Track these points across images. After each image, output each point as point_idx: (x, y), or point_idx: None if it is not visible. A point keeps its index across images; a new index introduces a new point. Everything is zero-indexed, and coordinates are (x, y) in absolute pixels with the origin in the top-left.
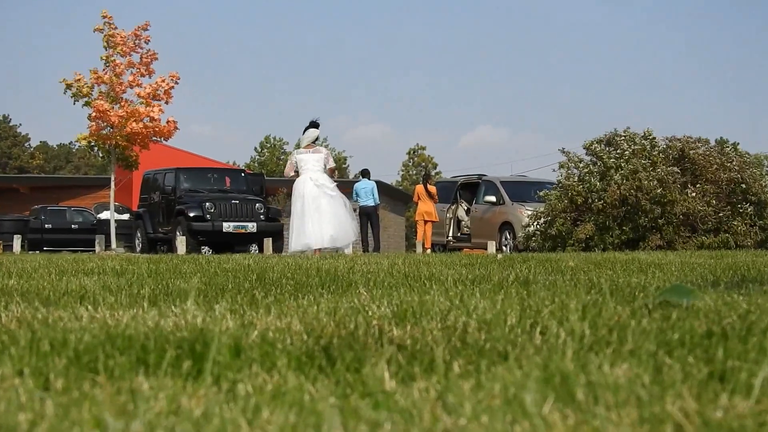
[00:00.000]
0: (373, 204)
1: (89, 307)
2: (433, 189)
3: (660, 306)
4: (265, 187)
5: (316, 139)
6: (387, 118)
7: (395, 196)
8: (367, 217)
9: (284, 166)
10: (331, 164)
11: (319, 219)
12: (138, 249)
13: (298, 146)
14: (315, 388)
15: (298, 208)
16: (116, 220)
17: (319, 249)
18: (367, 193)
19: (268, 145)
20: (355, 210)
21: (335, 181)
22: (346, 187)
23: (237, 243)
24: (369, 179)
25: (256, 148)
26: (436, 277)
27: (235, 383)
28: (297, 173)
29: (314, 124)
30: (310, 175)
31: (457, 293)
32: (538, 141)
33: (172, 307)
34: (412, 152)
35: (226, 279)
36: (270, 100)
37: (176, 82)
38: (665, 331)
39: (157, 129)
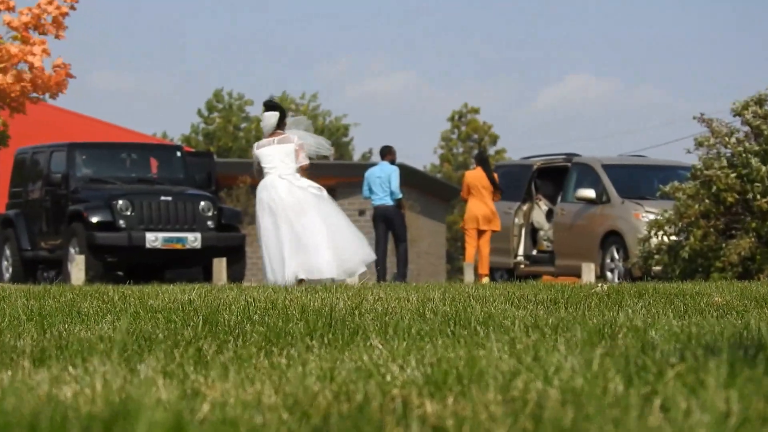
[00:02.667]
0: (392, 203)
1: None
2: (493, 178)
3: None
4: (215, 175)
5: (281, 123)
6: (415, 62)
7: (430, 190)
8: (385, 224)
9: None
10: (303, 160)
11: (309, 240)
12: (6, 275)
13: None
14: None
15: (267, 224)
16: None
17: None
18: (383, 184)
19: (221, 106)
20: (363, 213)
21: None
22: (350, 174)
23: (170, 266)
24: (392, 163)
25: (200, 111)
26: (495, 320)
27: None
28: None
29: (270, 106)
30: (279, 174)
31: (529, 346)
32: (666, 100)
33: (70, 368)
34: (457, 117)
35: (154, 324)
36: (222, 35)
37: (72, 7)
38: None
39: (39, 80)
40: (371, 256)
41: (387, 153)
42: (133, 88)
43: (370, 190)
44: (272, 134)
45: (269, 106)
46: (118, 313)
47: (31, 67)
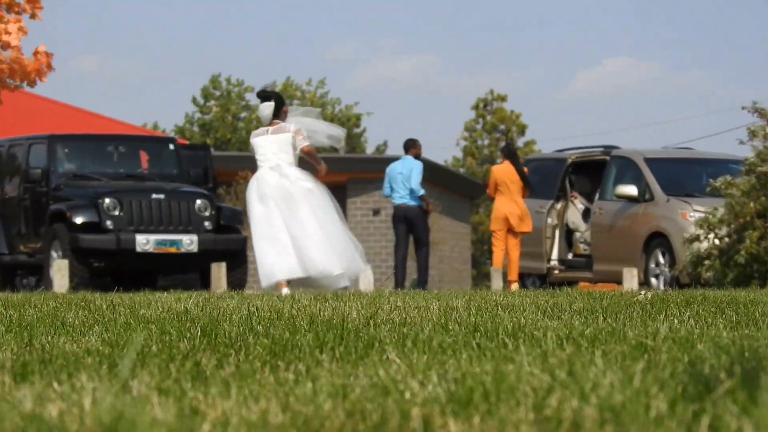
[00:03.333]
0: (412, 201)
1: None
2: (522, 172)
3: None
4: (212, 170)
5: (278, 113)
6: (434, 44)
7: (452, 187)
8: (406, 226)
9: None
10: (302, 142)
11: (300, 235)
12: None
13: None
14: None
15: (259, 213)
16: None
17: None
18: (405, 181)
19: (218, 94)
20: (378, 212)
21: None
22: (363, 169)
23: (163, 271)
24: (417, 157)
25: (195, 99)
26: (526, 331)
27: None
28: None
29: (264, 95)
30: (271, 165)
31: (563, 360)
32: (714, 86)
33: (55, 384)
34: (481, 106)
35: (147, 335)
36: (219, 14)
37: None
38: None
39: (16, 66)
40: (362, 267)
41: (411, 146)
42: (120, 73)
43: (391, 188)
44: (269, 124)
45: (264, 96)
46: (107, 324)
47: (7, 46)
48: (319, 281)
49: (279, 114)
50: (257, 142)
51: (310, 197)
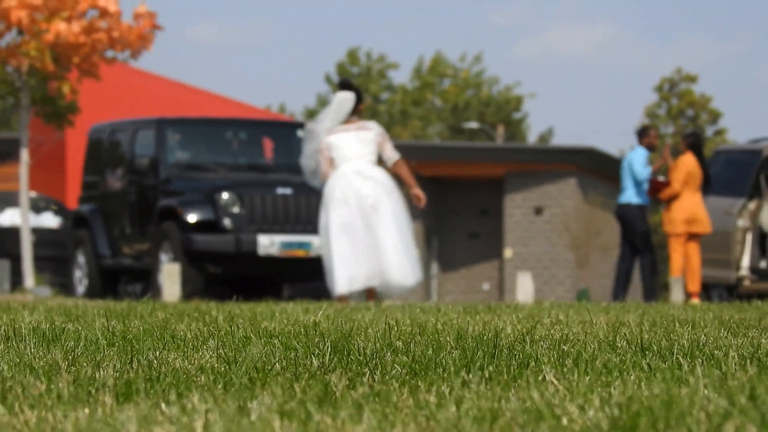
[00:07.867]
0: (625, 201)
1: None
2: (707, 167)
3: None
4: None
5: (356, 109)
6: (612, 12)
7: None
8: (623, 229)
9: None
10: (394, 154)
11: (380, 244)
12: (80, 288)
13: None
14: None
15: (335, 219)
16: (35, 229)
17: (373, 292)
18: (625, 174)
19: (356, 71)
20: (541, 211)
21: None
22: (523, 160)
23: (289, 278)
24: (651, 149)
25: (329, 77)
26: (704, 350)
27: None
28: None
29: (345, 85)
30: (353, 166)
31: (744, 383)
32: None
33: (163, 405)
34: (666, 87)
35: (269, 351)
36: None
37: None
38: None
39: (115, 32)
40: (419, 278)
41: (643, 135)
42: (240, 45)
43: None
44: (347, 121)
45: (345, 84)
46: (224, 338)
47: (105, 13)
48: (386, 291)
49: (356, 110)
50: (335, 141)
51: (395, 204)
